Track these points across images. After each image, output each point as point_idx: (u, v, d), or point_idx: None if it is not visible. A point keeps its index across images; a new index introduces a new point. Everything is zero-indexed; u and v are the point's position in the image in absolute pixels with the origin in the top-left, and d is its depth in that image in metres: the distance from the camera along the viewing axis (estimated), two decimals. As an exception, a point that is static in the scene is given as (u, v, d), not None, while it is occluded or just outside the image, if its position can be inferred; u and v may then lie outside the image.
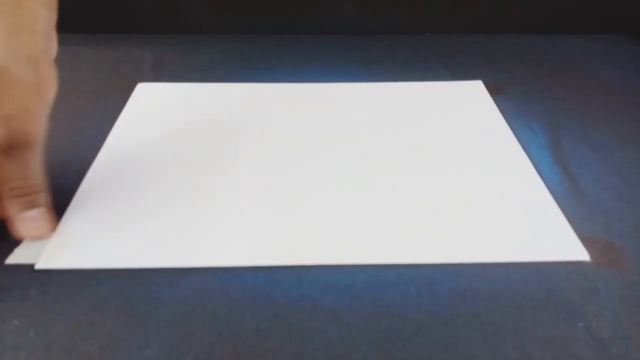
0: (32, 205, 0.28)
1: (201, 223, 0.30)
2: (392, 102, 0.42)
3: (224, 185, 0.32)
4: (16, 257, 0.27)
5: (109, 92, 0.42)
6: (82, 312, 0.25)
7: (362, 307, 0.25)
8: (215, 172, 0.33)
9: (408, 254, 0.28)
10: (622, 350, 0.23)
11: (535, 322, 0.25)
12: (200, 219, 0.30)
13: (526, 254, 0.28)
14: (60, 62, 0.47)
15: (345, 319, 0.25)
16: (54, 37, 0.28)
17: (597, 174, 0.34)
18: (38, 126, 0.27)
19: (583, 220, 0.30)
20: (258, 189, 0.32)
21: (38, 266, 0.27)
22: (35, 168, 0.28)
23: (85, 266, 0.27)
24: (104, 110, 0.40)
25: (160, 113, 0.40)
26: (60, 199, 0.31)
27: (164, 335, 0.24)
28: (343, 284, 0.26)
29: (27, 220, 0.28)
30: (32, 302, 0.25)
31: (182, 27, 0.54)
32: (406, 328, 0.24)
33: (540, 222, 0.30)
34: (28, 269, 0.27)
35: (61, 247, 0.28)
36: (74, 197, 0.31)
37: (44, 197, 0.28)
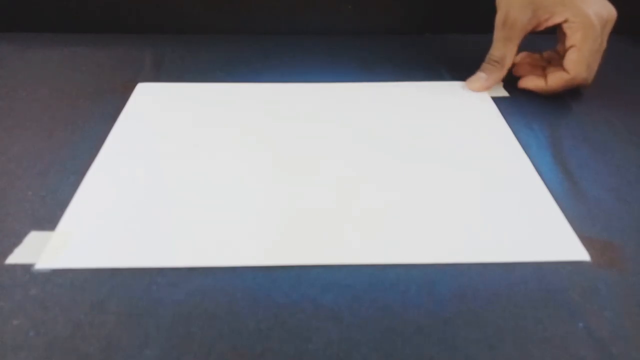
0: None
1: (201, 223, 0.30)
2: (391, 102, 0.41)
3: (224, 185, 0.32)
4: (16, 257, 0.28)
5: (109, 92, 0.42)
6: (82, 312, 0.25)
7: (362, 307, 0.25)
8: (215, 172, 0.33)
9: (408, 254, 0.28)
10: (622, 350, 0.23)
11: (535, 322, 0.25)
12: (200, 219, 0.30)
13: (526, 253, 0.28)
14: (60, 62, 0.47)
15: (345, 319, 0.25)
16: None
17: (597, 174, 0.34)
18: None
19: (583, 220, 0.30)
20: (258, 188, 0.32)
21: (38, 266, 0.27)
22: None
23: (85, 266, 0.27)
24: (104, 110, 0.40)
25: (160, 113, 0.40)
26: (60, 199, 0.31)
27: (164, 335, 0.24)
28: (343, 284, 0.26)
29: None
30: (32, 302, 0.25)
31: (182, 27, 0.54)
32: (406, 328, 0.24)
33: (540, 222, 0.30)
34: (28, 269, 0.27)
35: (61, 247, 0.28)
36: (73, 196, 0.31)
37: None
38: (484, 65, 0.43)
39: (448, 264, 0.27)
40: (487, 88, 0.43)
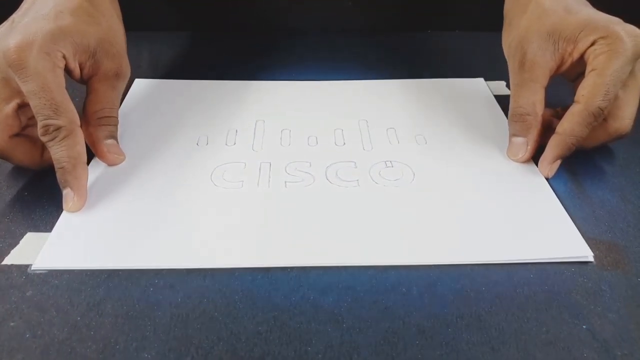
0: (111, 135, 0.33)
1: (200, 224, 0.29)
2: (389, 101, 0.41)
3: (222, 185, 0.32)
4: (13, 258, 0.27)
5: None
6: (78, 313, 0.24)
7: (363, 309, 0.25)
8: (214, 173, 0.33)
9: (409, 255, 0.27)
10: (626, 352, 0.23)
11: (539, 324, 0.24)
12: (199, 220, 0.29)
13: (530, 252, 0.27)
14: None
15: (346, 321, 0.24)
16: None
17: (601, 174, 0.34)
18: (129, 64, 0.36)
19: (587, 220, 0.30)
20: (256, 189, 0.32)
21: (35, 266, 0.27)
22: (119, 101, 0.35)
23: (81, 267, 0.27)
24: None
25: (157, 110, 0.39)
26: (57, 198, 0.30)
27: (162, 337, 0.23)
28: (343, 285, 0.26)
29: (111, 146, 0.33)
30: (29, 304, 0.25)
31: (179, 24, 0.53)
32: (407, 331, 0.24)
33: (544, 221, 0.29)
34: (24, 270, 0.27)
35: (58, 247, 0.28)
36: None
37: (117, 131, 0.34)
38: (513, 125, 0.34)
39: (450, 265, 0.27)
40: (533, 153, 0.34)
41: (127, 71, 0.35)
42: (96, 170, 0.33)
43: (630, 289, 0.26)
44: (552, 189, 0.32)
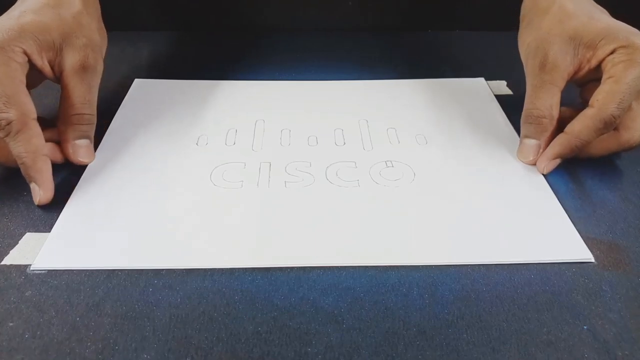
0: (85, 136, 0.33)
1: (199, 224, 0.29)
2: (389, 101, 0.41)
3: (222, 185, 0.32)
4: (12, 258, 0.27)
5: (106, 87, 0.42)
6: (77, 314, 0.24)
7: (363, 310, 0.25)
8: (213, 173, 0.33)
9: (410, 255, 0.27)
10: (627, 353, 0.23)
11: (539, 324, 0.24)
12: (198, 220, 0.29)
13: (530, 254, 0.27)
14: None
15: (346, 322, 0.24)
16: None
17: (601, 174, 0.34)
18: (101, 58, 0.34)
19: (587, 221, 0.30)
20: (256, 189, 0.32)
21: (34, 267, 0.27)
22: (95, 97, 0.33)
23: (81, 267, 0.27)
24: (100, 107, 0.39)
25: (156, 109, 0.39)
26: (56, 198, 0.30)
27: (161, 338, 0.23)
28: (343, 286, 0.26)
29: (79, 148, 0.33)
30: (28, 304, 0.25)
31: (178, 24, 0.53)
32: (408, 331, 0.24)
33: (544, 222, 0.29)
34: (24, 270, 0.27)
35: (57, 248, 0.28)
36: (71, 196, 0.31)
37: (93, 132, 0.34)
38: (527, 127, 0.34)
39: (451, 266, 0.27)
40: (540, 157, 0.33)
41: (95, 63, 0.33)
42: (95, 170, 0.33)
43: (631, 289, 0.26)
44: (553, 189, 0.32)
